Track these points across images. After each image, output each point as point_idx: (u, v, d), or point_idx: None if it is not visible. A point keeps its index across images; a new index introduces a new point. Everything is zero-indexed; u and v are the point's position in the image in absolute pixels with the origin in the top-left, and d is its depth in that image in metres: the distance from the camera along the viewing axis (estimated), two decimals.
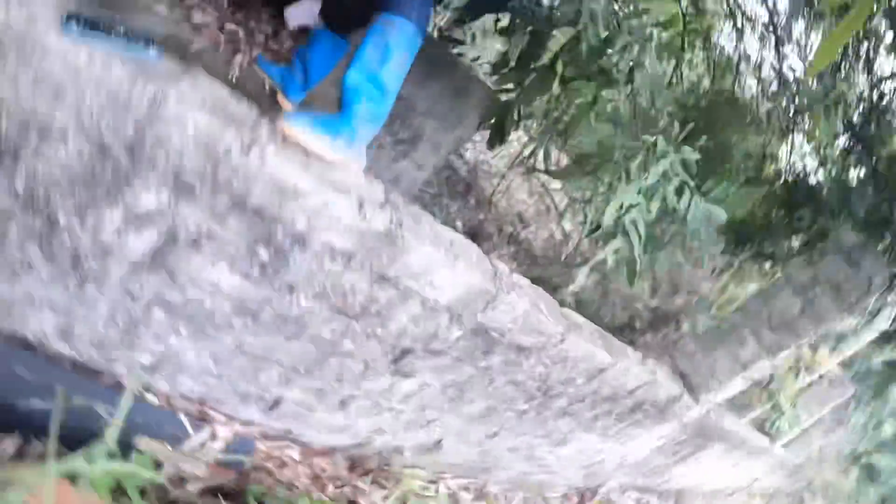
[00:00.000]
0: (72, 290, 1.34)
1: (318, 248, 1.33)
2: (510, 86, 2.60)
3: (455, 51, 3.08)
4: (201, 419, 1.71)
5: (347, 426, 1.94)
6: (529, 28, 2.42)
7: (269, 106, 1.61)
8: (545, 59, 2.41)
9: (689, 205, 1.89)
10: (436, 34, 3.42)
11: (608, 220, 1.88)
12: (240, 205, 1.22)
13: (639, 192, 1.86)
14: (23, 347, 1.45)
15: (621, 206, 1.87)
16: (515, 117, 2.54)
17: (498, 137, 2.75)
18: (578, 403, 2.24)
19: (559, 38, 2.33)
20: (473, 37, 3.55)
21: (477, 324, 1.63)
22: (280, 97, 1.71)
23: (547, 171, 3.57)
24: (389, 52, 1.33)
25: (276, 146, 1.19)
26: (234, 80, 1.64)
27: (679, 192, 1.90)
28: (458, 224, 4.31)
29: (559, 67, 2.30)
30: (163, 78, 1.09)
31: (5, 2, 0.96)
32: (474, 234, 4.26)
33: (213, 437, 1.73)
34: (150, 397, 1.64)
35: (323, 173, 1.26)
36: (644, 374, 2.24)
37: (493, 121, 2.69)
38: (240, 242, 1.29)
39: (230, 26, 1.66)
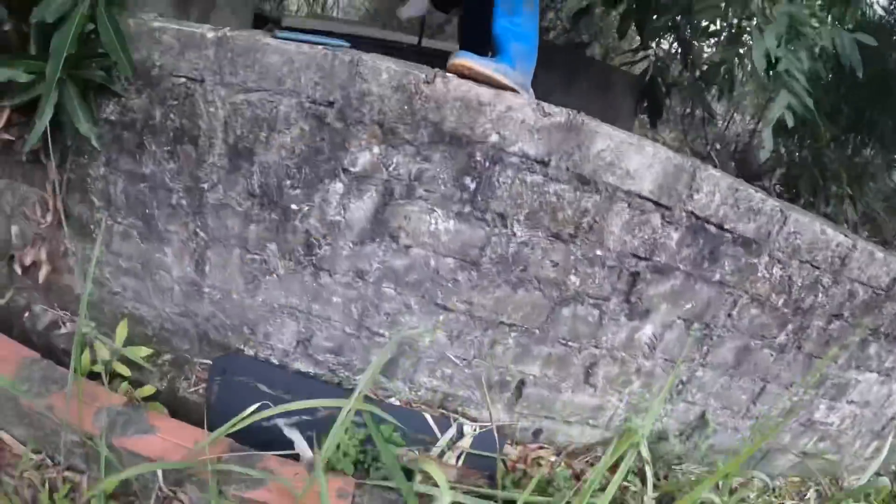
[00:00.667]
0: (307, 282, 1.44)
1: (515, 160, 1.38)
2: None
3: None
4: (444, 417, 1.63)
5: (598, 409, 1.75)
6: None
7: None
8: None
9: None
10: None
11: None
12: (438, 134, 1.33)
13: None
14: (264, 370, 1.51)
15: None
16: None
17: (657, 115, 3.44)
18: (838, 321, 1.92)
19: None
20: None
21: (690, 217, 1.54)
22: None
23: None
24: (519, 1, 1.52)
25: (454, 78, 1.34)
26: None
27: None
28: None
29: None
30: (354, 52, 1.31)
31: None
32: None
33: (461, 433, 1.62)
34: (391, 401, 1.61)
35: (497, 93, 1.37)
36: (892, 260, 1.93)
37: (646, 103, 3.39)
38: (447, 176, 1.37)
39: None
